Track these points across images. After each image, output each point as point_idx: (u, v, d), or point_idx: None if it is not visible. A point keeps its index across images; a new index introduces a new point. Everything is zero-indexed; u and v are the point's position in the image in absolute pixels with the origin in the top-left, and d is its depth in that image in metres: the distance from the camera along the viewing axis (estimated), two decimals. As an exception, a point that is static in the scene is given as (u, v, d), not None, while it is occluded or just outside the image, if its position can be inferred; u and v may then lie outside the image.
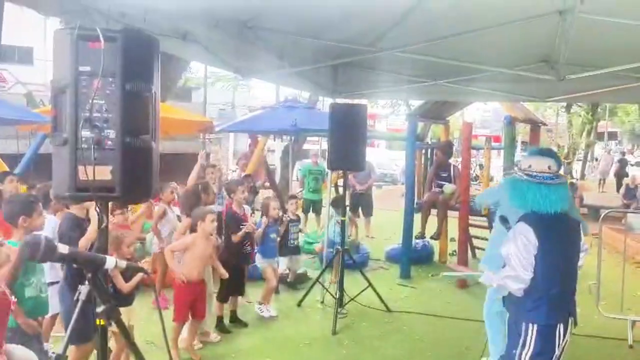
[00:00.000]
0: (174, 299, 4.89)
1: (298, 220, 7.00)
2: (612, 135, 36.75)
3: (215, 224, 4.88)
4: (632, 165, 25.11)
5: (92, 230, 3.67)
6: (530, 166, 3.20)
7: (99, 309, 1.50)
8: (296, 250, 6.92)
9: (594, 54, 4.10)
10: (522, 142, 16.41)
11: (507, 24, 3.39)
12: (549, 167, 3.17)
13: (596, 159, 32.28)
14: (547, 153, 3.38)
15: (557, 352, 3.10)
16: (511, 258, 3.10)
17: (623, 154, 27.74)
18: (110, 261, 1.43)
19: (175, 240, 5.17)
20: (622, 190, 15.62)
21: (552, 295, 3.08)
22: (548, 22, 3.27)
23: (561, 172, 3.29)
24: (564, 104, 26.60)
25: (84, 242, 3.71)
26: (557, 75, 3.98)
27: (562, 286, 3.13)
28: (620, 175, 21.08)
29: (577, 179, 20.82)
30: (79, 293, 1.54)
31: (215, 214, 4.99)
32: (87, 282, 1.45)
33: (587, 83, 4.72)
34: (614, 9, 3.03)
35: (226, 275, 5.13)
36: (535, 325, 3.10)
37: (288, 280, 7.11)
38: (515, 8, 3.21)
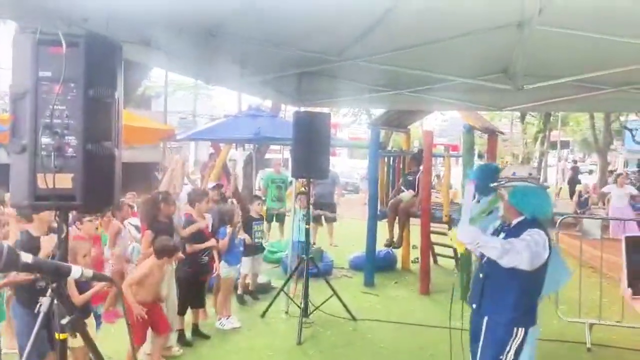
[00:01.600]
0: (130, 321, 4.65)
1: (261, 219, 7.01)
2: (565, 144, 38.02)
3: (172, 265, 4.78)
4: (582, 173, 26.08)
5: (41, 255, 3.55)
6: (514, 174, 3.26)
7: (64, 321, 1.44)
8: (259, 250, 6.90)
9: (550, 65, 4.23)
10: (479, 152, 16.79)
11: (468, 35, 3.48)
12: (530, 174, 3.26)
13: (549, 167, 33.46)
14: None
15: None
16: (524, 245, 3.11)
17: (575, 162, 28.82)
18: (76, 270, 1.38)
19: (141, 257, 5.05)
20: (575, 197, 16.18)
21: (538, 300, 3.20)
22: (507, 33, 3.37)
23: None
24: (519, 113, 27.42)
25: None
26: (515, 86, 4.09)
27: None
28: (573, 182, 21.79)
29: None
30: (40, 305, 1.48)
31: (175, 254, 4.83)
32: (49, 293, 1.39)
33: (543, 93, 4.87)
34: (570, 21, 3.14)
35: None
36: (527, 329, 3.16)
37: (249, 289, 7.03)
38: (476, 20, 3.29)
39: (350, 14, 3.29)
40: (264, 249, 7.18)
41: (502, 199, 3.42)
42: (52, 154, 2.14)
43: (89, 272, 1.44)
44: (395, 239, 8.22)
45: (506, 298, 3.26)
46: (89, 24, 2.61)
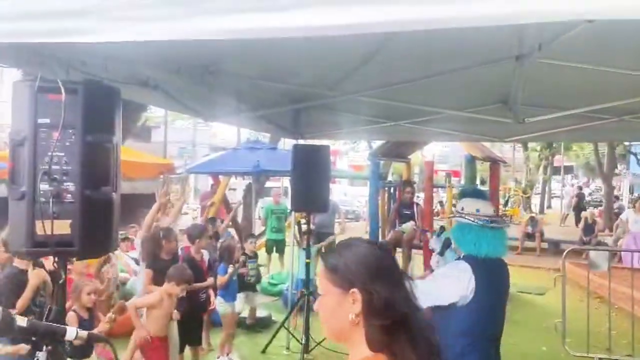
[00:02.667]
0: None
1: (255, 257, 6.96)
2: (568, 170, 37.95)
3: (183, 293, 4.65)
4: (586, 202, 25.84)
5: (29, 289, 3.51)
6: (462, 208, 3.09)
7: (56, 383, 1.40)
8: (253, 287, 6.81)
9: (551, 97, 4.24)
10: (481, 179, 16.80)
11: (465, 69, 3.49)
12: (477, 210, 3.04)
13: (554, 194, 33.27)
14: (479, 194, 3.34)
15: None
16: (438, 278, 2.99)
17: (580, 188, 28.46)
18: (71, 332, 1.34)
19: (144, 292, 4.97)
20: (581, 224, 15.74)
21: (484, 340, 2.94)
22: (505, 65, 3.37)
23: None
24: (521, 140, 27.37)
25: (20, 304, 3.56)
26: (516, 118, 4.09)
27: (494, 332, 3.02)
28: (579, 209, 21.44)
29: (537, 214, 21.27)
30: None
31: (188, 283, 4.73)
32: (45, 352, 1.35)
33: (544, 124, 4.86)
34: (570, 55, 3.15)
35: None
36: None
37: (247, 322, 6.93)
38: (473, 54, 3.29)
39: (345, 48, 3.30)
40: (256, 286, 7.09)
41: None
42: (51, 200, 2.13)
43: (84, 334, 1.40)
44: None
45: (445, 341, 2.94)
46: (87, 67, 2.62)
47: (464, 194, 3.42)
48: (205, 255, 5.71)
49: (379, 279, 1.31)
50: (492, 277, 2.96)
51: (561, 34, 2.54)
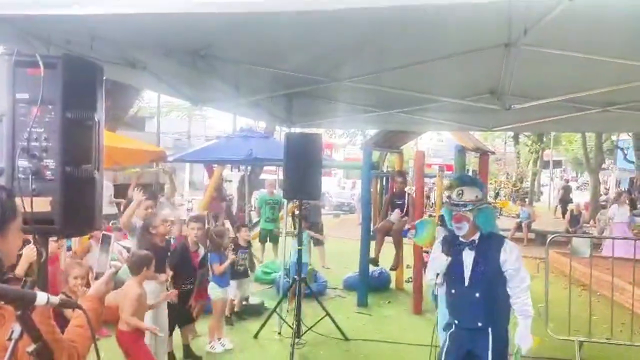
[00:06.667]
0: (127, 352, 4.39)
1: (247, 247, 6.98)
2: (557, 164, 38.23)
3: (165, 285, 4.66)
4: (576, 190, 26.25)
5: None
6: (476, 196, 3.52)
7: (29, 349, 1.39)
8: (244, 274, 6.84)
9: (538, 86, 4.26)
10: (473, 171, 16.88)
11: (455, 55, 3.49)
12: (476, 196, 3.49)
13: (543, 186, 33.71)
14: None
15: None
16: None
17: (567, 181, 29.04)
18: (42, 298, 1.34)
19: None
20: (567, 216, 16.36)
21: None
22: (495, 54, 3.38)
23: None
24: (512, 133, 27.61)
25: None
26: (503, 105, 4.11)
27: None
28: (565, 201, 21.96)
29: (527, 205, 21.46)
30: (12, 332, 1.43)
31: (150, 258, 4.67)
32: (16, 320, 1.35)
33: (532, 113, 4.90)
34: (556, 41, 3.16)
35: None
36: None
37: (235, 310, 6.96)
38: (463, 41, 3.30)
39: (338, 35, 3.29)
40: (248, 273, 7.09)
41: (467, 219, 3.48)
42: (30, 177, 2.11)
43: (55, 299, 1.40)
44: (378, 258, 8.19)
45: (502, 309, 3.47)
46: (71, 46, 2.60)
47: (462, 181, 3.65)
48: (201, 250, 5.69)
49: None
50: None
51: (545, 14, 2.54)
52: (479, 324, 3.46)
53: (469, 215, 3.44)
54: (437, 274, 3.54)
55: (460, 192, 3.50)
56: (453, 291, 3.58)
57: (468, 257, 3.49)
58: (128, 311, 4.27)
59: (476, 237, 3.50)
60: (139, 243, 5.10)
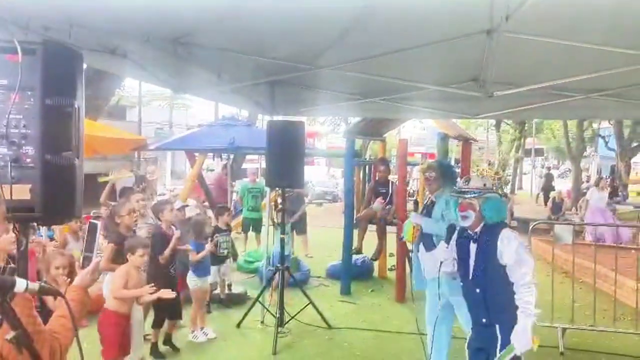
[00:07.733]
0: (102, 334, 4.34)
1: (228, 230, 6.94)
2: (539, 152, 38.66)
3: (146, 258, 4.56)
4: (557, 177, 26.68)
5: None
6: (485, 185, 3.54)
7: (8, 336, 1.38)
8: (224, 259, 6.76)
9: (520, 73, 4.29)
10: (455, 159, 17.04)
11: (438, 42, 3.50)
12: (484, 185, 3.49)
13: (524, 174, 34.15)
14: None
15: None
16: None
17: (549, 169, 29.42)
18: (20, 284, 1.32)
19: (102, 268, 4.86)
20: (549, 203, 16.56)
21: None
22: (477, 41, 3.39)
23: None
24: (494, 122, 27.85)
25: None
26: (486, 93, 4.13)
27: None
28: (547, 189, 22.27)
29: (509, 193, 21.77)
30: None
31: (148, 247, 4.65)
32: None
33: (514, 100, 4.94)
34: (538, 28, 3.18)
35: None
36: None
37: (221, 297, 6.94)
38: (446, 27, 3.31)
39: (321, 22, 3.28)
40: (228, 258, 7.04)
41: (473, 208, 3.39)
42: (9, 164, 2.08)
43: (35, 286, 1.38)
44: (361, 247, 8.24)
45: (510, 305, 3.24)
46: (50, 32, 2.56)
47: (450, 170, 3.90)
48: (176, 231, 5.65)
49: None
50: None
51: (527, 0, 2.55)
52: (484, 320, 3.36)
53: (474, 203, 3.34)
54: (441, 262, 3.55)
55: (468, 179, 3.47)
56: (462, 285, 3.53)
57: (473, 251, 3.39)
58: (118, 285, 4.27)
59: (480, 228, 3.39)
60: (105, 232, 5.03)
